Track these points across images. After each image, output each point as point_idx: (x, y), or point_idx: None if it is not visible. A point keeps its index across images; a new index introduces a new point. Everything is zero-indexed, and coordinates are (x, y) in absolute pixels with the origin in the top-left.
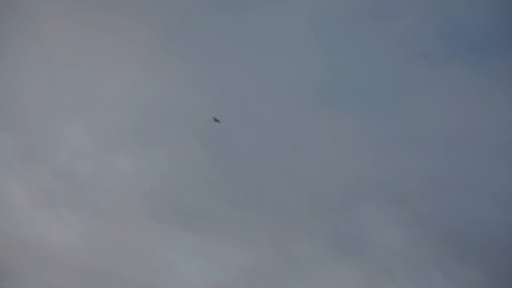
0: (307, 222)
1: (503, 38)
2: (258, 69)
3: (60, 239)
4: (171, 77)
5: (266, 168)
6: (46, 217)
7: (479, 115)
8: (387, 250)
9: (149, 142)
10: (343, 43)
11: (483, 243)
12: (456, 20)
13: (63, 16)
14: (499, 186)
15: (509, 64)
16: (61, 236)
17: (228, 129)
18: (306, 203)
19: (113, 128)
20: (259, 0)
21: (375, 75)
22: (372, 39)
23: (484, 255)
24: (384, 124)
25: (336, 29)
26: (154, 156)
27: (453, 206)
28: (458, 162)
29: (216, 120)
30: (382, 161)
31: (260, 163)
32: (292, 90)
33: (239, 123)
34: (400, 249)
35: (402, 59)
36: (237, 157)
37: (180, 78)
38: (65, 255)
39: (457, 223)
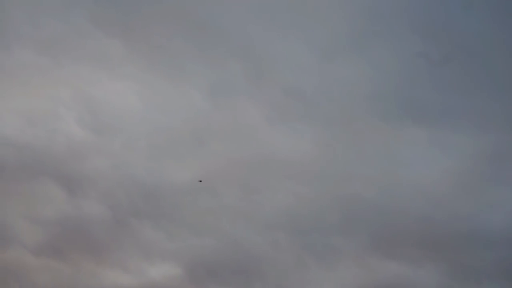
0: None
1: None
2: None
3: (297, 151)
4: None
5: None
6: (282, 132)
7: None
8: None
9: (368, 45)
10: None
11: None
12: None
13: None
14: None
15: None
16: (297, 148)
17: None
18: None
19: (330, 39)
20: None
21: None
22: None
23: None
24: None
25: None
26: (374, 58)
27: None
28: None
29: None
30: None
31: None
32: None
33: None
34: None
35: None
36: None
37: None
38: (304, 164)
39: None
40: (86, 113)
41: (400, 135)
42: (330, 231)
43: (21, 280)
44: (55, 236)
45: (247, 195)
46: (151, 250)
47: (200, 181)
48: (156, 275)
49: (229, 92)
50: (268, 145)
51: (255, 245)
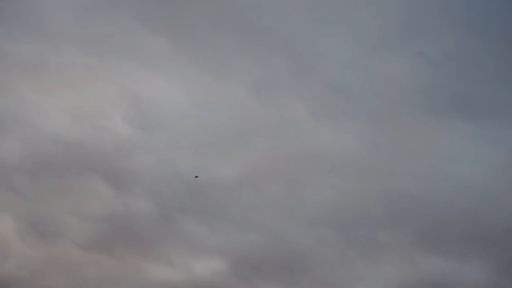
0: None
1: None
2: None
3: (342, 146)
4: None
5: None
6: (326, 128)
7: None
8: None
9: (413, 39)
10: None
11: None
12: None
13: None
14: None
15: None
16: (342, 143)
17: None
18: None
19: (374, 33)
20: None
21: None
22: None
23: None
24: None
25: None
26: (419, 52)
27: None
28: None
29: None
30: None
31: None
32: None
33: None
34: None
35: None
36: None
37: None
38: (349, 160)
39: None
40: (132, 111)
41: (446, 130)
42: (376, 226)
43: (70, 274)
44: (102, 232)
45: (292, 191)
46: (197, 246)
47: (196, 176)
48: (201, 270)
49: (274, 88)
50: (313, 141)
51: (300, 241)
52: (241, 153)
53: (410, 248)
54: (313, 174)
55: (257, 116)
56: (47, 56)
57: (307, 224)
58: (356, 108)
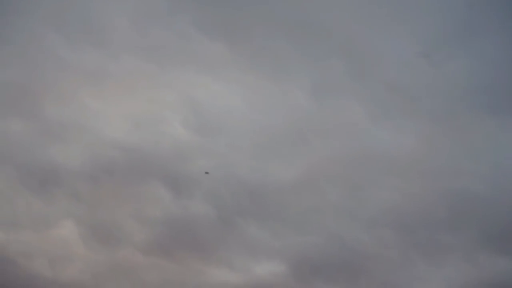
0: None
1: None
2: None
3: (401, 147)
4: None
5: None
6: (385, 129)
7: None
8: None
9: (472, 37)
10: None
11: None
12: None
13: None
14: None
15: None
16: (401, 144)
17: None
18: None
19: (432, 33)
20: None
21: None
22: None
23: None
24: None
25: None
26: (479, 51)
27: None
28: None
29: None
30: None
31: None
32: None
33: None
34: None
35: None
36: None
37: None
38: (409, 160)
39: None
40: (191, 115)
41: (508, 128)
42: (437, 227)
43: (131, 278)
44: (163, 236)
45: (351, 192)
46: (256, 248)
47: (207, 172)
48: (261, 273)
49: (331, 90)
50: (371, 142)
51: (360, 242)
52: (299, 155)
53: (473, 249)
54: (372, 175)
55: (315, 118)
56: (107, 64)
57: (367, 225)
58: (415, 108)
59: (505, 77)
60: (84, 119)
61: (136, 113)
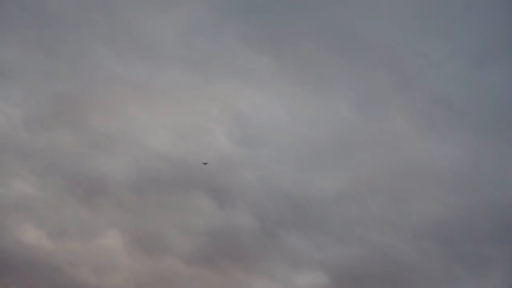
0: None
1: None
2: None
3: (446, 159)
4: None
5: None
6: (430, 141)
7: None
8: None
9: None
10: None
11: None
12: None
13: None
14: None
15: None
16: (446, 156)
17: None
18: None
19: (479, 45)
20: None
21: None
22: None
23: None
24: None
25: None
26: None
27: None
28: None
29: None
30: None
31: None
32: None
33: None
34: None
35: None
36: None
37: None
38: (453, 173)
39: None
40: (235, 127)
41: None
42: (482, 240)
43: None
44: (206, 246)
45: (395, 205)
46: (299, 259)
47: (206, 163)
48: (303, 284)
49: (376, 102)
50: (416, 154)
51: (403, 255)
52: (343, 167)
53: None
54: (416, 187)
55: (359, 130)
56: (154, 77)
57: (410, 237)
58: (461, 120)
59: None
60: (130, 131)
61: (181, 125)
